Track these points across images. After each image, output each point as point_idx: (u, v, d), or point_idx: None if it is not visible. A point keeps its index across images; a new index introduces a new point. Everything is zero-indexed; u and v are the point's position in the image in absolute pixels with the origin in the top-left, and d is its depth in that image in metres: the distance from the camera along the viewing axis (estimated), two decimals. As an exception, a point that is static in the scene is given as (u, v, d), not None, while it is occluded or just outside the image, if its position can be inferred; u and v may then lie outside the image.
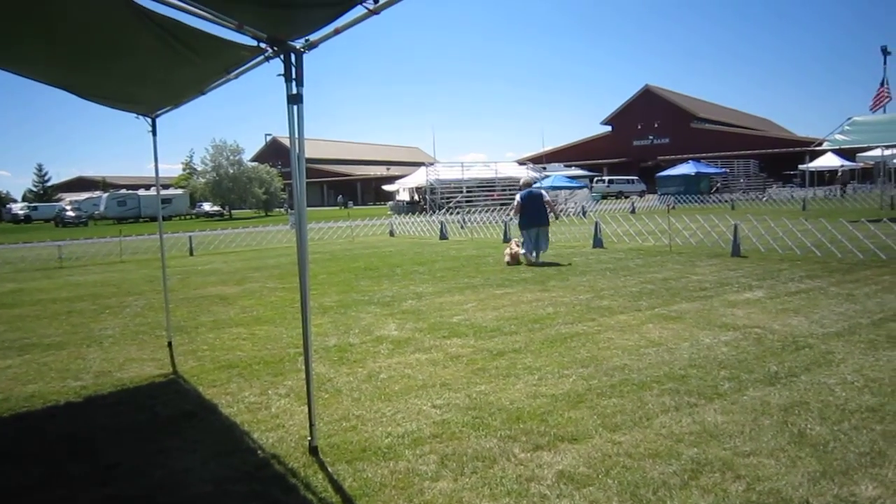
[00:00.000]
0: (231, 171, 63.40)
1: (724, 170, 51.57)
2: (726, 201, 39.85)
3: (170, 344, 7.25)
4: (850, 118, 23.39)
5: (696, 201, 40.34)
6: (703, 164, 50.66)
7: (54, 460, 4.30)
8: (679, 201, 39.67)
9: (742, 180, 52.52)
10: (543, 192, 14.24)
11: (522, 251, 13.77)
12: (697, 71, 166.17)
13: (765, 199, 42.96)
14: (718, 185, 49.28)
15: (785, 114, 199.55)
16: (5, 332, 8.57)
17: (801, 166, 48.64)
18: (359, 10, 3.21)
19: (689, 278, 10.69)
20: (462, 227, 25.53)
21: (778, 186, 53.56)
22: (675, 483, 3.56)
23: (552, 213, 14.50)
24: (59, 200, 78.74)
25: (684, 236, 16.48)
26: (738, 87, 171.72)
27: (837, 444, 3.98)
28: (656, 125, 75.02)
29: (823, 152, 42.93)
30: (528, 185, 14.74)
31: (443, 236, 22.18)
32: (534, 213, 13.72)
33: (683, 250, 14.78)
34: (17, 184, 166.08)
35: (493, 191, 44.53)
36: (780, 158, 62.21)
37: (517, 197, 14.11)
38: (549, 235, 14.34)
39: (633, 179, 62.94)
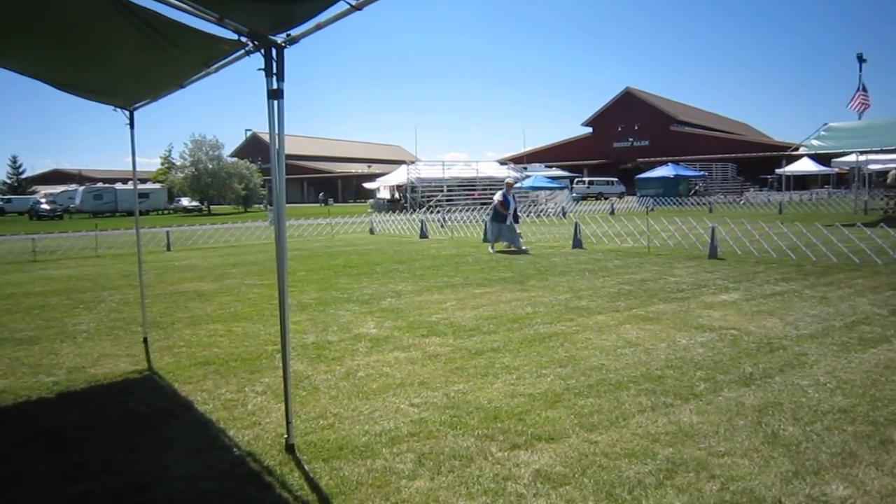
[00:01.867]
0: (210, 167, 62.85)
1: (702, 173, 52.11)
2: (704, 204, 40.31)
3: (145, 340, 7.17)
4: (825, 124, 23.70)
5: (674, 203, 40.76)
6: (681, 166, 51.16)
7: (24, 457, 4.22)
8: (658, 203, 40.03)
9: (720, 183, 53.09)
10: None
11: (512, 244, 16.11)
12: (678, 74, 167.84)
13: (742, 202, 43.50)
14: (697, 187, 49.77)
15: (763, 119, 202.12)
16: (-24, 327, 8.41)
17: (777, 170, 49.28)
18: (341, 6, 3.19)
19: (666, 280, 10.78)
20: (442, 226, 25.50)
21: (755, 190, 54.24)
22: (650, 482, 3.59)
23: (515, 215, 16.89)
24: (33, 193, 77.28)
25: (662, 238, 16.61)
26: (718, 92, 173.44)
27: (810, 445, 4.03)
28: (636, 127, 75.58)
29: (800, 157, 43.54)
30: (511, 186, 17.25)
31: (423, 235, 22.14)
32: (510, 210, 16.42)
33: (661, 252, 14.90)
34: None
35: (474, 190, 44.61)
36: (758, 162, 62.96)
37: (499, 195, 16.56)
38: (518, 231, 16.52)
39: (612, 181, 63.41)
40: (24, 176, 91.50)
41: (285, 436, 4.20)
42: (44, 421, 4.92)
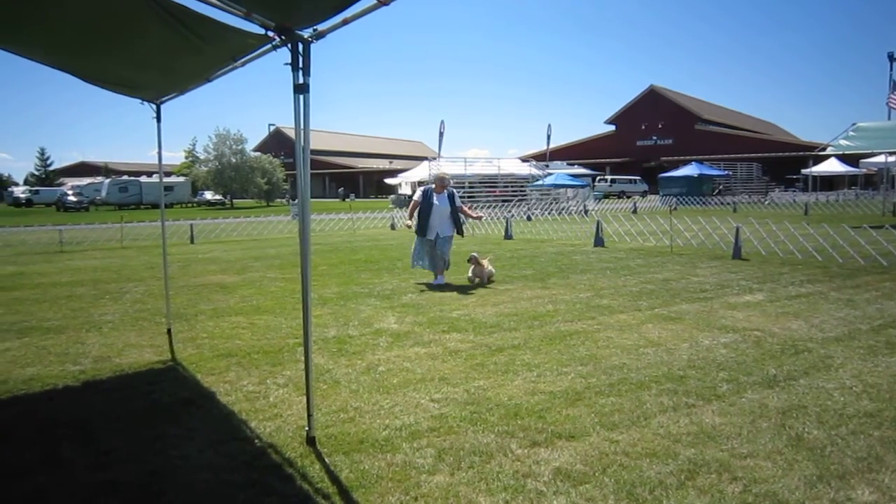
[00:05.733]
0: (233, 161, 63.32)
1: (726, 172, 51.54)
2: (728, 204, 39.87)
3: (169, 331, 7.25)
4: (854, 124, 23.32)
5: (698, 203, 40.33)
6: (706, 165, 50.59)
7: (51, 444, 4.29)
8: (681, 202, 39.64)
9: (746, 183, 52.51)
10: (455, 193, 10.84)
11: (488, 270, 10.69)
12: (703, 73, 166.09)
13: (767, 202, 42.96)
14: (721, 187, 49.23)
15: (790, 118, 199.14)
16: (5, 315, 8.57)
17: (804, 171, 48.63)
18: (369, 1, 3.20)
19: (689, 279, 10.68)
20: (463, 223, 25.50)
21: (780, 190, 53.54)
22: (671, 483, 3.56)
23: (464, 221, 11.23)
24: (60, 185, 78.60)
25: (685, 237, 16.46)
26: (744, 90, 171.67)
27: (835, 449, 3.98)
28: (660, 126, 74.89)
29: (827, 157, 42.90)
30: (442, 182, 10.80)
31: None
32: (435, 217, 10.52)
33: (684, 251, 14.77)
34: (19, 167, 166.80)
35: (496, 187, 44.50)
36: (784, 162, 62.16)
37: (419, 193, 10.88)
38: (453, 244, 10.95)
39: (635, 179, 62.96)
40: (51, 168, 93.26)
41: (306, 428, 4.23)
42: (70, 409, 5.00)
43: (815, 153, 31.60)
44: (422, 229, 10.53)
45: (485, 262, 10.58)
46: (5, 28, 4.53)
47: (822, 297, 8.98)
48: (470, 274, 10.57)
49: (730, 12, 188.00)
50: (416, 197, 10.84)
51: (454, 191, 10.82)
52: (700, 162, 51.84)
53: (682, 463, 3.80)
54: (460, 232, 10.82)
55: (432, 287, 10.14)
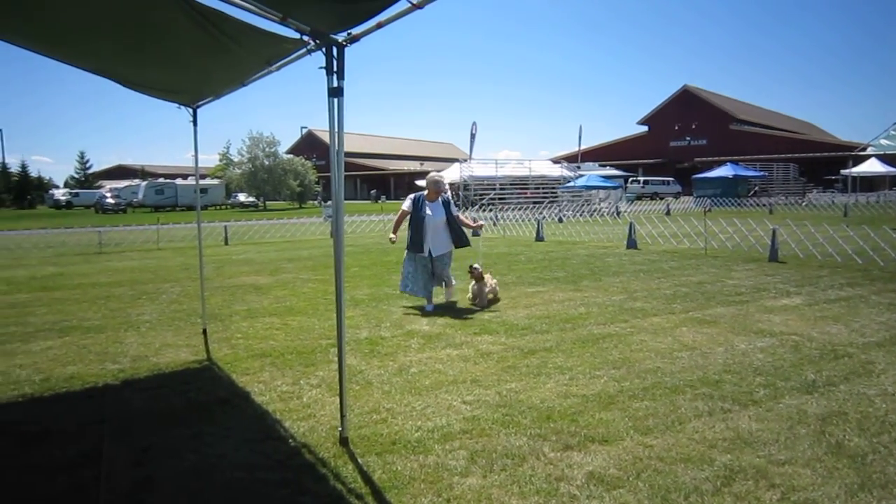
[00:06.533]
0: (266, 163, 64.11)
1: (762, 173, 50.65)
2: (764, 205, 39.16)
3: (204, 331, 7.37)
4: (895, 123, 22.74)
5: (732, 204, 39.69)
6: (741, 166, 49.79)
7: (92, 440, 4.39)
8: (715, 204, 39.05)
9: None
10: (451, 199, 9.11)
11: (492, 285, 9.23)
12: (738, 72, 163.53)
13: (804, 203, 42.11)
14: (756, 188, 48.40)
15: (828, 117, 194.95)
16: (47, 315, 8.79)
17: (843, 171, 47.59)
18: (402, 5, 3.21)
19: (724, 282, 10.52)
20: (494, 224, 25.50)
21: (818, 191, 52.44)
22: (707, 489, 3.51)
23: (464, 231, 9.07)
24: (99, 187, 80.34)
25: (720, 240, 16.22)
26: (780, 89, 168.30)
27: (877, 457, 3.88)
28: (694, 126, 73.85)
29: (867, 157, 41.92)
30: (437, 188, 8.91)
31: (475, 233, 22.11)
32: (428, 229, 8.70)
33: (719, 254, 14.55)
34: (60, 170, 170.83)
35: (527, 188, 44.40)
36: (822, 163, 60.90)
37: (407, 202, 8.94)
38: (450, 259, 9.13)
39: (668, 181, 62.17)
40: (90, 171, 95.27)
41: (339, 429, 4.26)
42: (110, 406, 5.11)
43: (854, 153, 30.89)
44: (413, 244, 8.68)
45: (488, 277, 9.11)
46: (48, 36, 4.66)
47: (862, 300, 8.78)
48: (469, 294, 8.98)
49: (765, 9, 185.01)
50: (404, 206, 8.87)
51: (450, 198, 9.08)
52: (735, 163, 51.06)
53: (717, 469, 3.75)
54: (464, 242, 8.90)
55: (426, 312, 8.44)
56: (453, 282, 9.21)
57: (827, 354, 6.13)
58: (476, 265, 8.93)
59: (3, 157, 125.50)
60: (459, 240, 8.88)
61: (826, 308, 8.29)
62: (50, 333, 7.62)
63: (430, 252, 8.69)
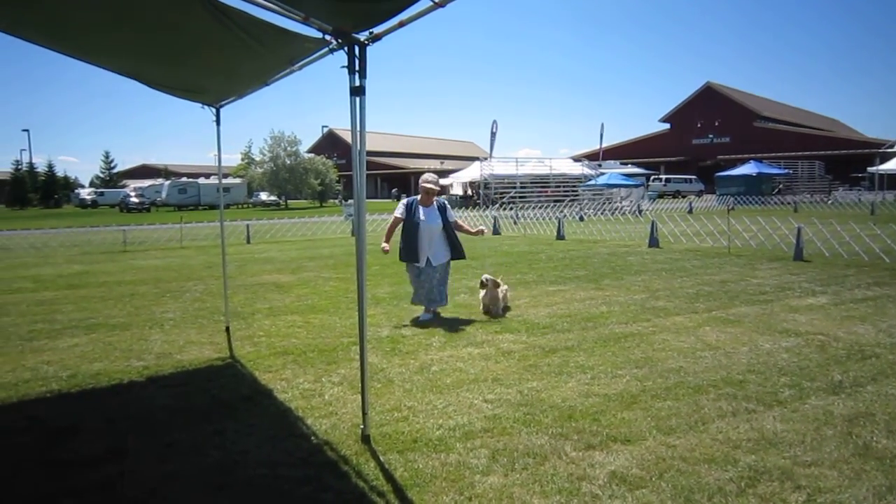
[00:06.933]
0: (288, 162, 64.48)
1: (787, 171, 49.98)
2: (789, 203, 38.64)
3: (227, 329, 7.44)
4: (925, 119, 22.31)
5: (756, 202, 39.21)
6: (765, 164, 49.17)
7: (118, 436, 4.46)
8: (739, 202, 38.60)
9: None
10: (447, 204, 8.33)
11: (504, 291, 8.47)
12: (762, 69, 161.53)
13: (830, 201, 41.48)
14: (781, 186, 47.78)
15: (854, 114, 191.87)
16: (73, 312, 8.93)
17: (870, 169, 46.77)
18: (424, 3, 3.22)
19: (748, 281, 10.40)
20: (515, 223, 25.45)
21: (844, 189, 51.62)
22: (731, 490, 3.48)
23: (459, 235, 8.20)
24: (123, 187, 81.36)
25: (744, 238, 16.04)
26: (805, 86, 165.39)
27: (905, 459, 3.82)
28: (717, 123, 73.04)
29: (895, 154, 41.17)
30: (432, 188, 8.04)
31: (495, 231, 22.13)
32: (424, 237, 7.91)
33: (743, 252, 14.39)
34: (85, 169, 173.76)
35: (547, 187, 44.28)
36: (848, 160, 59.94)
37: (400, 208, 8.13)
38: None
39: (691, 179, 61.63)
40: (115, 170, 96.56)
41: (361, 426, 4.28)
42: (135, 403, 5.18)
43: (882, 150, 30.36)
44: (409, 254, 7.92)
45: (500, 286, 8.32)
46: (73, 37, 4.73)
47: (890, 300, 8.63)
48: (482, 305, 8.28)
49: (790, 4, 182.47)
50: (396, 212, 8.08)
51: (446, 202, 8.29)
52: (759, 160, 50.44)
53: (742, 469, 3.71)
54: (460, 254, 8.11)
55: (421, 322, 7.75)
56: (447, 300, 8.16)
57: (854, 355, 6.04)
58: (487, 276, 8.17)
59: (31, 157, 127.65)
60: (455, 250, 8.02)
61: (853, 307, 8.16)
62: (76, 331, 7.74)
63: (428, 261, 7.88)
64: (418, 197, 8.08)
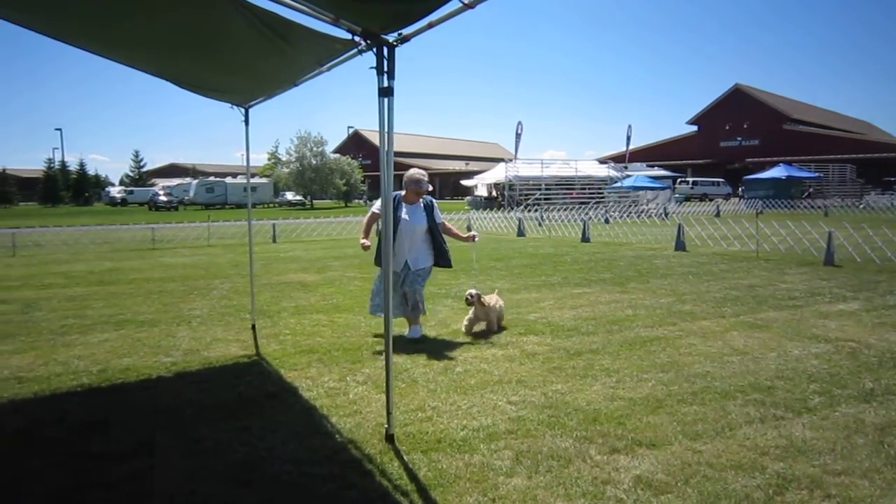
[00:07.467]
0: (314, 162, 64.95)
1: (817, 174, 49.17)
2: (819, 207, 37.99)
3: (253, 327, 7.52)
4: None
5: (786, 206, 38.64)
6: (795, 167, 48.45)
7: (147, 431, 4.52)
8: (767, 206, 38.05)
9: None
10: (434, 203, 7.25)
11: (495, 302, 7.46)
12: (792, 70, 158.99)
13: (861, 206, 40.72)
14: (811, 190, 47.01)
15: (887, 117, 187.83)
16: (104, 308, 9.08)
17: (903, 173, 45.89)
18: (454, 4, 3.22)
19: (777, 286, 10.26)
20: (540, 225, 25.37)
21: (877, 193, 50.64)
22: (758, 497, 3.43)
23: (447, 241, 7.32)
24: (152, 185, 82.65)
25: (773, 242, 15.82)
26: (837, 88, 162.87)
27: (940, 469, 3.74)
28: (746, 126, 72.11)
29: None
30: (421, 179, 7.09)
31: (520, 233, 22.07)
32: (405, 238, 6.99)
33: (771, 257, 14.19)
34: (115, 168, 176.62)
35: (573, 189, 44.08)
36: (881, 164, 58.84)
37: (376, 206, 6.99)
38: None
39: (718, 181, 60.88)
40: (144, 169, 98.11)
41: (385, 426, 4.30)
42: (163, 398, 5.26)
43: (916, 154, 29.74)
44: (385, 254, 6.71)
45: (492, 300, 7.35)
46: (107, 38, 4.81)
47: (923, 307, 8.45)
48: (466, 322, 7.24)
49: (821, 5, 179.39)
50: (374, 207, 7.13)
51: (433, 201, 7.28)
52: (788, 163, 49.70)
53: (769, 477, 3.66)
54: (445, 261, 7.16)
55: (409, 340, 6.97)
56: (423, 308, 7.25)
57: (886, 362, 5.92)
58: (473, 291, 7.18)
59: (63, 156, 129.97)
60: (440, 255, 7.12)
61: (885, 314, 8.01)
62: (106, 326, 7.88)
63: (406, 265, 6.97)
64: (403, 192, 7.13)
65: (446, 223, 7.37)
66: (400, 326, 7.16)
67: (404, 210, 7.01)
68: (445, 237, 7.25)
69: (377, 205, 6.79)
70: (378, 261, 6.81)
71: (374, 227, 6.96)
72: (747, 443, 4.15)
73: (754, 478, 3.65)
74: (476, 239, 7.48)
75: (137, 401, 5.22)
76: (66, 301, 9.73)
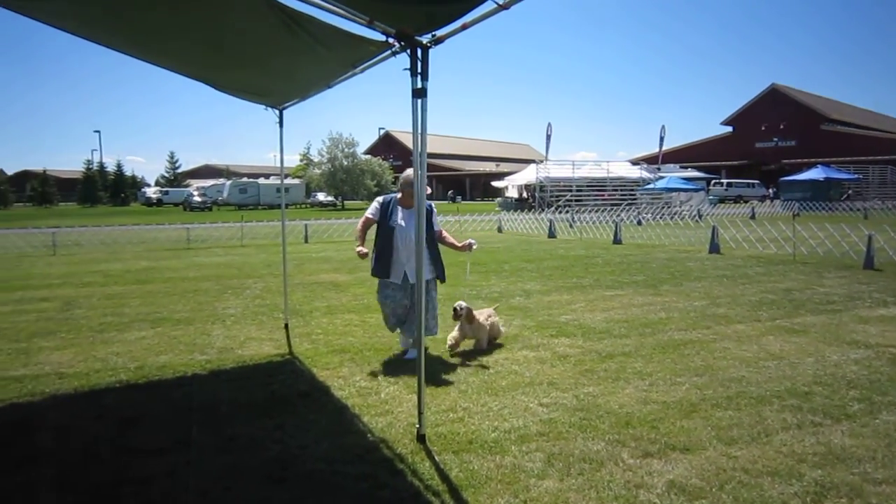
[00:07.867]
0: (345, 164, 65.37)
1: (857, 176, 48.05)
2: (858, 209, 37.12)
3: (286, 326, 7.60)
4: None
5: (823, 208, 37.83)
6: (833, 169, 47.40)
7: (182, 427, 4.60)
8: (804, 208, 37.30)
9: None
10: (434, 208, 6.55)
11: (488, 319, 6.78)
12: (830, 69, 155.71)
13: (903, 208, 39.69)
14: (850, 191, 45.97)
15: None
16: (140, 307, 9.26)
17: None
18: (489, 6, 3.22)
19: (814, 290, 10.05)
20: (571, 226, 25.21)
21: (919, 196, 49.33)
22: (796, 504, 3.37)
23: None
24: (187, 186, 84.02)
25: (810, 245, 15.51)
26: (877, 87, 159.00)
27: None
28: (782, 126, 70.73)
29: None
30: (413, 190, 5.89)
31: (551, 234, 21.97)
32: (401, 247, 6.27)
33: (809, 260, 13.91)
34: (151, 169, 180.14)
35: (604, 190, 43.75)
36: (923, 165, 57.26)
37: (373, 207, 6.50)
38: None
39: (753, 183, 59.84)
40: (179, 170, 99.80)
41: (417, 426, 4.31)
42: (199, 395, 5.34)
43: (960, 156, 28.92)
44: (382, 266, 6.28)
45: (482, 317, 6.66)
46: (146, 41, 4.91)
47: (968, 312, 8.21)
48: (450, 339, 6.48)
49: (856, 4, 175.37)
50: (368, 212, 6.46)
51: (433, 206, 6.53)
52: (827, 165, 48.64)
53: (807, 484, 3.59)
54: (440, 273, 6.46)
55: (405, 358, 6.34)
56: (436, 326, 6.50)
57: (929, 369, 5.77)
58: (461, 303, 6.59)
59: (101, 157, 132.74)
60: (436, 267, 6.42)
61: (928, 319, 7.80)
62: (143, 324, 8.03)
63: (405, 277, 6.25)
64: (398, 195, 6.41)
65: (443, 231, 6.66)
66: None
67: (400, 215, 6.29)
68: (441, 246, 6.58)
69: (371, 209, 6.41)
70: (376, 271, 6.34)
71: (375, 232, 6.37)
72: (784, 449, 4.07)
73: (791, 485, 3.59)
74: (473, 248, 6.64)
75: (173, 397, 5.32)
76: (105, 299, 9.94)
